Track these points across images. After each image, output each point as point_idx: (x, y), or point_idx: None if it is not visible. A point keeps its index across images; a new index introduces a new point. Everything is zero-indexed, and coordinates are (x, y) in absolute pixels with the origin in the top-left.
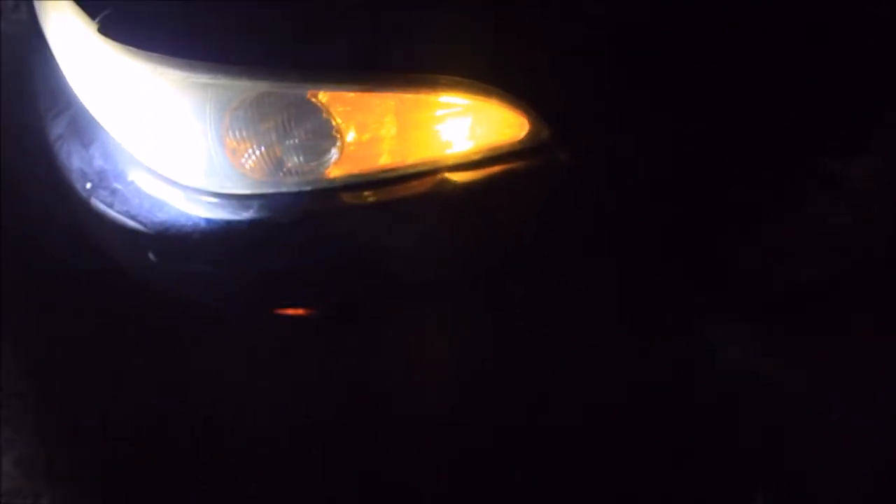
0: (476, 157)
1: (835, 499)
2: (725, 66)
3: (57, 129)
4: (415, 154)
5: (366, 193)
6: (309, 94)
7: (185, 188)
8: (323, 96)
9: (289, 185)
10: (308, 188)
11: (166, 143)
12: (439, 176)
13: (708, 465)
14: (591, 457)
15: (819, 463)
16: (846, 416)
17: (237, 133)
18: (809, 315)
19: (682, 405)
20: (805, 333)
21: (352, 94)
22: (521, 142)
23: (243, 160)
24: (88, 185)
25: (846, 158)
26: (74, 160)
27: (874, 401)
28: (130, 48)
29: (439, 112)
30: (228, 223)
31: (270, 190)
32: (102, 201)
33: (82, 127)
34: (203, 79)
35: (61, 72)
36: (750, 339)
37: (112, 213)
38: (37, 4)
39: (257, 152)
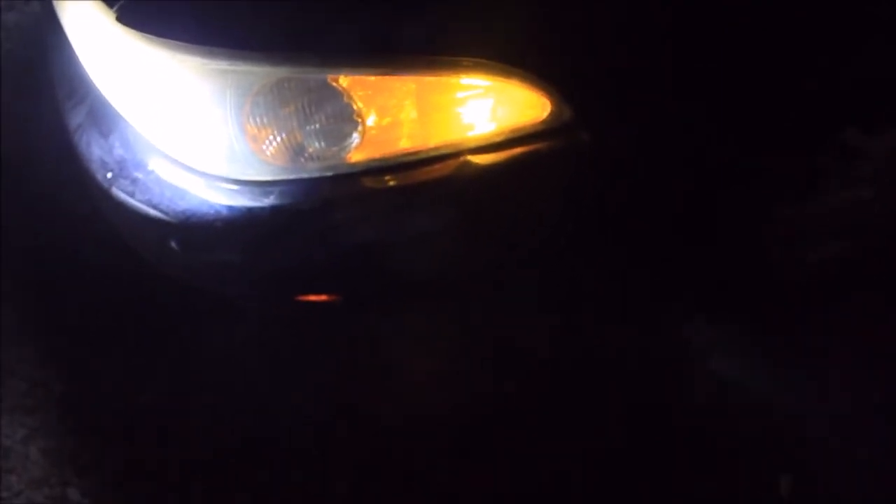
0: (498, 139)
1: (835, 499)
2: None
3: (76, 118)
4: (436, 137)
5: (387, 178)
6: (329, 78)
7: (206, 176)
8: (343, 80)
9: (310, 171)
10: (329, 173)
11: (186, 131)
12: (461, 158)
13: (707, 466)
14: (592, 456)
15: (819, 463)
16: (845, 415)
17: (258, 119)
18: (809, 315)
19: (682, 404)
20: (805, 334)
21: (372, 78)
22: (543, 122)
23: (264, 146)
24: (109, 175)
25: (849, 158)
26: (94, 150)
27: (874, 401)
28: (149, 36)
29: (460, 94)
30: (250, 210)
31: (292, 176)
32: (123, 190)
33: (101, 116)
34: (222, 65)
35: (79, 61)
36: (749, 338)
37: (133, 202)
38: None
39: (278, 138)
